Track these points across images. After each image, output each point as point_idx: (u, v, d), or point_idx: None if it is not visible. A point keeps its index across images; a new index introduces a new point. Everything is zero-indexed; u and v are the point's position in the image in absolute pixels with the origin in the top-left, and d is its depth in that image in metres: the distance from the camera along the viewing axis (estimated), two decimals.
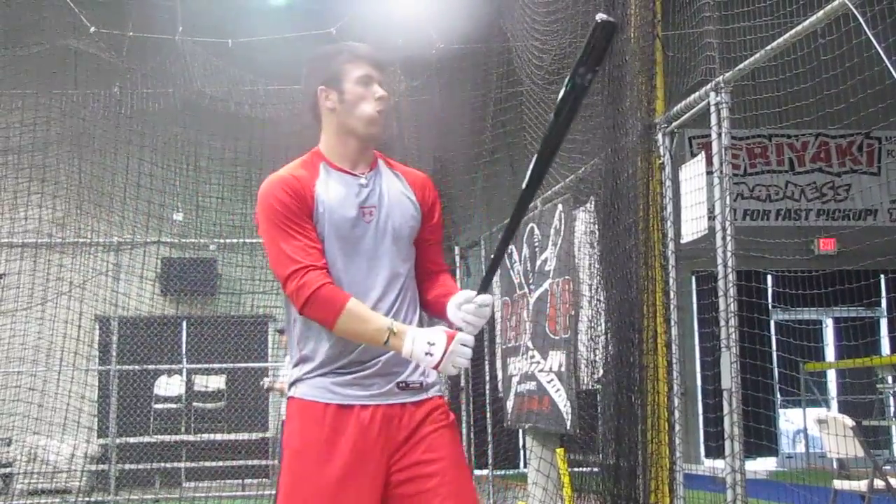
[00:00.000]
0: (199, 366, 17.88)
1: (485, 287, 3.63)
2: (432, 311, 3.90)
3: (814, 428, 13.05)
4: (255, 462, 17.28)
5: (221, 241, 16.97)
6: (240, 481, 16.86)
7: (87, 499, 15.58)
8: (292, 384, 3.74)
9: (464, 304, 3.51)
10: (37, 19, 14.18)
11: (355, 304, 3.53)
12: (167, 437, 17.17)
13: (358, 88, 3.74)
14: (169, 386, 17.74)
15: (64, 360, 15.94)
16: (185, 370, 17.90)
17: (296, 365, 3.75)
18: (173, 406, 17.68)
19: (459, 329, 3.50)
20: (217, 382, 17.95)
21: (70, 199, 16.57)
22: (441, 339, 3.44)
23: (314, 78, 3.77)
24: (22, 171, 16.15)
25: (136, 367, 17.14)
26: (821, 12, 4.76)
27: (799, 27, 4.97)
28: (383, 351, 3.60)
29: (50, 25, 14.02)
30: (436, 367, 3.45)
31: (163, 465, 16.94)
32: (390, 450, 3.62)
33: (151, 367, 17.33)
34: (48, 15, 13.90)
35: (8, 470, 16.43)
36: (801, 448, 17.44)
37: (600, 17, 3.37)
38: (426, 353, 3.43)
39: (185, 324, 18.08)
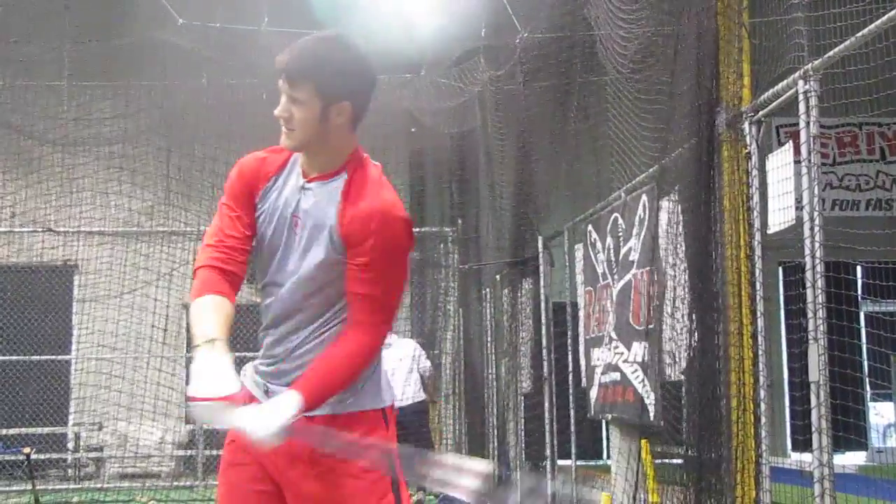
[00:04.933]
0: None
1: None
2: None
3: None
4: None
5: None
6: None
7: (175, 483, 15.87)
8: None
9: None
10: (126, 11, 14.40)
11: (206, 301, 3.40)
12: None
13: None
14: None
15: (152, 347, 16.22)
16: None
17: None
18: None
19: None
20: None
21: (158, 189, 16.82)
22: (218, 402, 3.17)
23: None
24: (112, 161, 16.44)
25: None
26: None
27: (892, 13, 4.88)
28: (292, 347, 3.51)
29: (139, 17, 14.23)
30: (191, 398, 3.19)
31: None
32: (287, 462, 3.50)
33: (239, 354, 17.51)
34: (137, 7, 14.13)
35: (99, 454, 16.77)
36: (892, 442, 17.16)
37: None
38: (195, 380, 3.22)
39: None
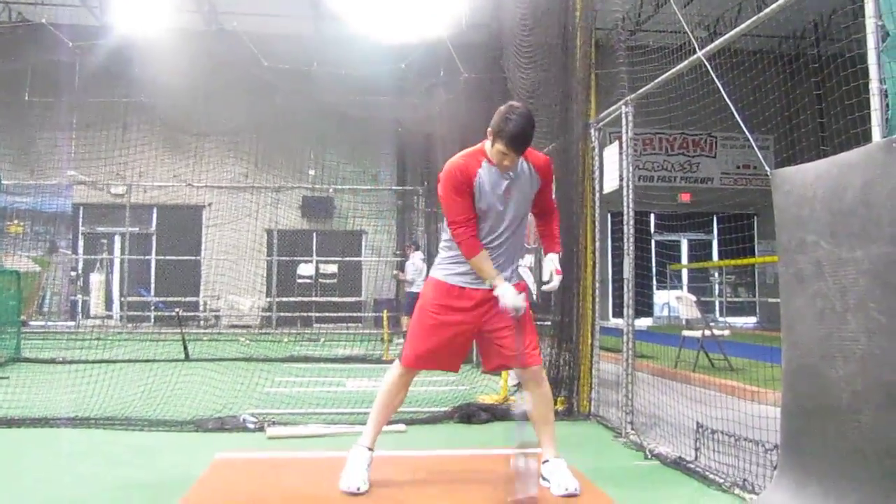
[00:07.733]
0: (322, 258, 18.02)
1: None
2: (541, 243, 4.08)
3: (674, 301, 13.08)
4: (354, 314, 17.51)
5: (336, 186, 17.03)
6: (345, 325, 17.10)
7: (259, 331, 15.89)
8: (435, 268, 3.83)
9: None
10: (232, 57, 14.00)
11: (483, 255, 3.64)
12: (305, 298, 17.39)
13: (498, 155, 3.63)
14: (306, 269, 17.91)
15: (248, 253, 16.17)
16: (315, 260, 18.04)
17: (441, 256, 3.82)
18: (308, 281, 17.85)
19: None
20: (333, 268, 18.09)
21: (250, 161, 16.67)
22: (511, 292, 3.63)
23: (493, 120, 3.65)
24: (225, 146, 16.33)
25: (287, 258, 17.31)
26: (686, 62, 4.68)
27: (673, 70, 4.89)
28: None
29: (242, 59, 13.91)
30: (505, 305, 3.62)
31: (302, 313, 17.17)
32: (484, 313, 3.72)
33: (297, 258, 17.50)
34: (238, 55, 13.77)
35: (217, 313, 16.78)
36: (666, 312, 17.46)
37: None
38: (503, 297, 3.60)
39: (314, 234, 18.19)
